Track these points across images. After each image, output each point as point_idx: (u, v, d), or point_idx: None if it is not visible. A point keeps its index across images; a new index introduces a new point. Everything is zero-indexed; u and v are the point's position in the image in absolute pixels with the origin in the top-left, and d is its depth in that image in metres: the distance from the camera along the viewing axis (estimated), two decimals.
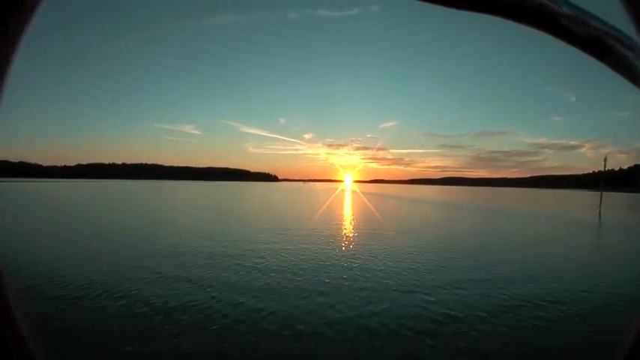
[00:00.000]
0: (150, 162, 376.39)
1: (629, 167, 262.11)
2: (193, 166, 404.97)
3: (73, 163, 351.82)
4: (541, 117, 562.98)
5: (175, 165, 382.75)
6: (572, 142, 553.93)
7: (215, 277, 8.93)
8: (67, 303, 6.94)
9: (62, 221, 20.31)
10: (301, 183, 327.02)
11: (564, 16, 0.42)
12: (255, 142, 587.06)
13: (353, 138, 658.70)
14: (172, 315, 6.46)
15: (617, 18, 0.43)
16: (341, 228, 17.72)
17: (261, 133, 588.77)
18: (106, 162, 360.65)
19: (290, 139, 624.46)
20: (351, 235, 16.21)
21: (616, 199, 80.00)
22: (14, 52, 0.38)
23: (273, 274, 9.07)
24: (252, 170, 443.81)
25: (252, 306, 6.99)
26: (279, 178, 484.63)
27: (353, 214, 25.31)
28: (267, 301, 7.23)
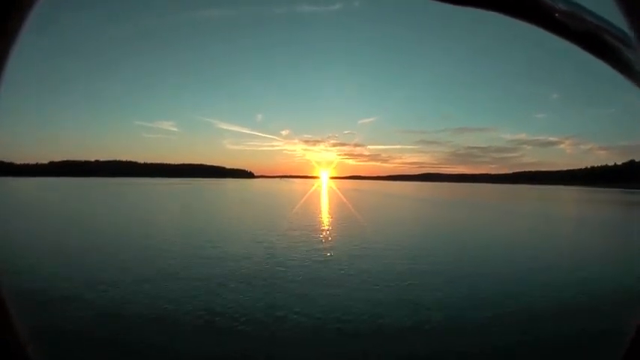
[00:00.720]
0: (124, 159, 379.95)
1: (622, 163, 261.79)
2: (169, 162, 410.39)
3: (46, 161, 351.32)
4: (522, 114, 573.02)
5: (149, 162, 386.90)
6: (552, 139, 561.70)
7: (208, 277, 8.73)
8: (65, 304, 6.79)
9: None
10: (277, 179, 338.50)
11: (559, 11, 0.41)
12: (232, 139, 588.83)
13: (330, 134, 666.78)
14: (170, 314, 6.44)
15: (608, 13, 0.43)
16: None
17: (239, 130, 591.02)
18: (80, 159, 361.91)
19: (267, 136, 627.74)
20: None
21: (614, 195, 79.22)
22: (12, 50, 0.38)
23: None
24: (227, 167, 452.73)
25: (255, 305, 6.94)
26: (256, 174, 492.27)
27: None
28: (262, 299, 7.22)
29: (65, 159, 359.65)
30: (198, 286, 8.26)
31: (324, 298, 7.61)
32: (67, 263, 10.20)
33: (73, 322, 6.08)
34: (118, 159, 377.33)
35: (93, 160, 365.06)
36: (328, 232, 17.06)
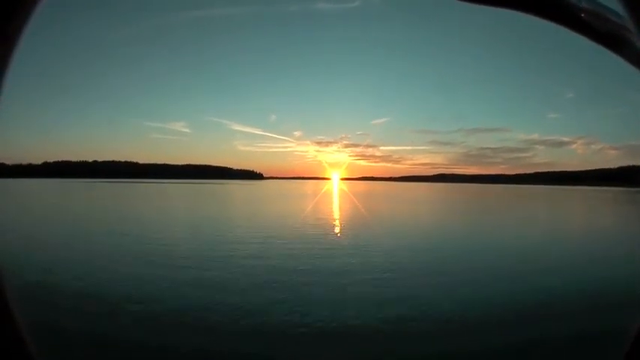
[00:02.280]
0: (132, 160, 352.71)
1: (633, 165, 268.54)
2: (171, 163, 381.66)
3: (39, 162, 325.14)
4: (537, 114, 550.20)
5: (150, 162, 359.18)
6: (564, 139, 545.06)
7: (205, 274, 9.00)
8: (65, 303, 6.89)
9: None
10: (286, 181, 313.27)
11: (584, 11, 0.42)
12: (244, 140, 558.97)
13: (343, 135, 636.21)
14: (171, 314, 6.47)
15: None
16: None
17: (252, 131, 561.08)
18: (75, 160, 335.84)
19: (280, 137, 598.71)
20: None
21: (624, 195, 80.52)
22: (14, 52, 0.38)
23: None
24: (235, 168, 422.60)
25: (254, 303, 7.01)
26: (265, 176, 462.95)
27: None
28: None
29: (60, 159, 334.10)
30: (200, 285, 8.33)
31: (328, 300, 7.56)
32: (68, 263, 10.09)
33: (73, 321, 6.17)
34: (115, 160, 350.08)
35: (90, 160, 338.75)
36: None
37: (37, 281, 8.07)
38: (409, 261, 10.71)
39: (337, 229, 18.99)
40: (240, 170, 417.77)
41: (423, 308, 6.88)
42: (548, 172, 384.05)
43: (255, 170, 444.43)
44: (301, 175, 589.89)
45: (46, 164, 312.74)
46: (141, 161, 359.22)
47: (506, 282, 8.69)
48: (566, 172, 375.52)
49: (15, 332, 0.39)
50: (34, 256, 10.69)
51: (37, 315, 5.74)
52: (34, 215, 23.97)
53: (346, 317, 6.41)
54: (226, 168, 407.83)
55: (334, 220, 23.67)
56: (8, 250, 11.55)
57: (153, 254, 11.50)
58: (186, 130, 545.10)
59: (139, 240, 14.44)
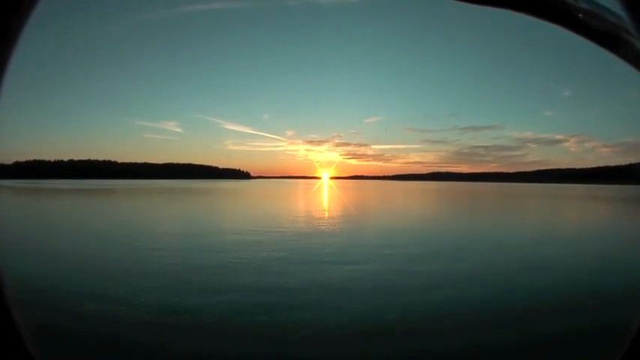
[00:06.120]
0: (100, 158, 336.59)
1: (630, 164, 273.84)
2: (152, 162, 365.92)
3: (10, 162, 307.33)
4: (532, 112, 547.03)
5: (130, 161, 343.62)
6: (558, 137, 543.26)
7: (199, 270, 9.07)
8: (65, 303, 6.92)
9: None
10: (274, 180, 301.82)
11: (581, 11, 0.42)
12: (236, 140, 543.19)
13: (335, 134, 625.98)
14: (171, 314, 6.51)
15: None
16: None
17: (244, 130, 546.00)
18: (51, 159, 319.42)
19: (272, 136, 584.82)
20: None
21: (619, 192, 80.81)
22: (13, 51, 0.38)
23: None
24: (220, 167, 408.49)
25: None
26: (253, 175, 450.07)
27: None
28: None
29: (33, 159, 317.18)
30: (199, 283, 8.25)
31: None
32: (67, 263, 9.97)
33: (73, 321, 6.16)
34: (92, 159, 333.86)
35: (66, 159, 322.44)
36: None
37: (39, 280, 7.99)
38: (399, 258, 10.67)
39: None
40: (226, 169, 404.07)
41: (418, 306, 6.84)
42: (542, 170, 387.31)
43: (242, 169, 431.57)
44: (290, 175, 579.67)
45: (17, 164, 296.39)
46: (120, 160, 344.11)
47: (501, 280, 8.66)
48: (559, 169, 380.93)
49: (15, 332, 0.39)
50: (35, 256, 10.54)
51: (37, 314, 5.76)
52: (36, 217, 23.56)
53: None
54: (211, 167, 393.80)
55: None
56: (9, 250, 11.40)
57: (157, 253, 11.49)
58: (178, 129, 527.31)
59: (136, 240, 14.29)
